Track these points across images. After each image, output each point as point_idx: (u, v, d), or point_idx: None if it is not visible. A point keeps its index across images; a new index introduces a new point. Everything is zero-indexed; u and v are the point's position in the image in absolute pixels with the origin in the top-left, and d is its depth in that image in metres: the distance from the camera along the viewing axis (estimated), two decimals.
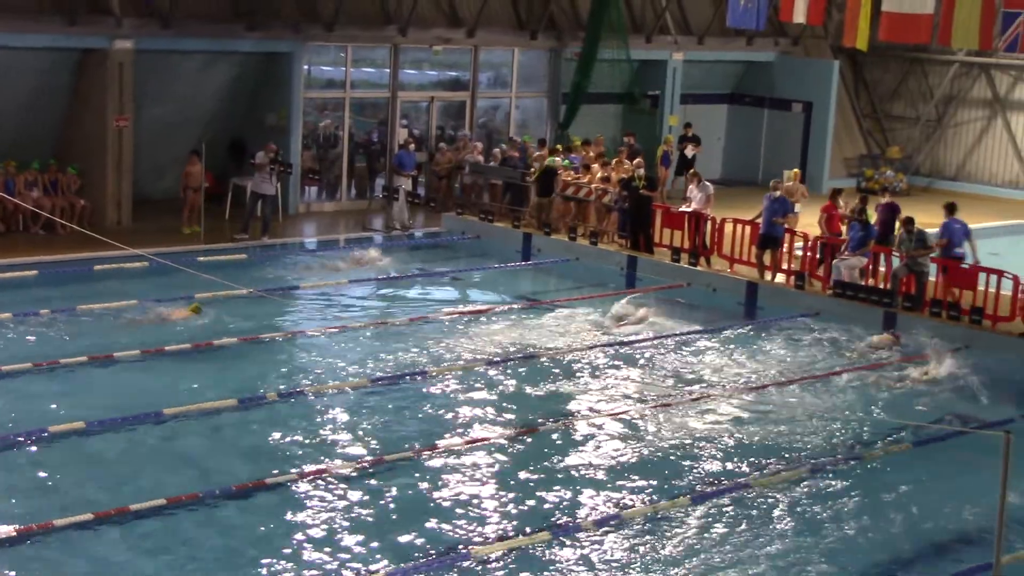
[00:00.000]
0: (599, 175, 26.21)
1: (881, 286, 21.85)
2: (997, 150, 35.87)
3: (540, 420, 15.97)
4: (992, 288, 20.77)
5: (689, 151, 31.80)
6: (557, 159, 27.07)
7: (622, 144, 29.24)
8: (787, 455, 15.34)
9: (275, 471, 13.85)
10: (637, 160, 25.90)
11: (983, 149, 36.13)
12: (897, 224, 22.63)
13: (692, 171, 25.93)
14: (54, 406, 15.44)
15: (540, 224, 25.92)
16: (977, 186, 35.87)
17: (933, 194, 34.58)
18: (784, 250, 23.21)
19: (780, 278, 23.14)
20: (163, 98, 26.65)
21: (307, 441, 14.88)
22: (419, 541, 12.55)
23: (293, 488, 13.52)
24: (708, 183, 25.41)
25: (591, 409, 16.54)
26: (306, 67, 28.03)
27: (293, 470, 13.91)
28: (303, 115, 27.82)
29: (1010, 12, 24.45)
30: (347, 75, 28.74)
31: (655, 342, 19.73)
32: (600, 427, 15.90)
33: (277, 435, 15.03)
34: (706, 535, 13.01)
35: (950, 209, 21.99)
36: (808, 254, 22.89)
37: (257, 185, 25.07)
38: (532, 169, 26.56)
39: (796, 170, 27.60)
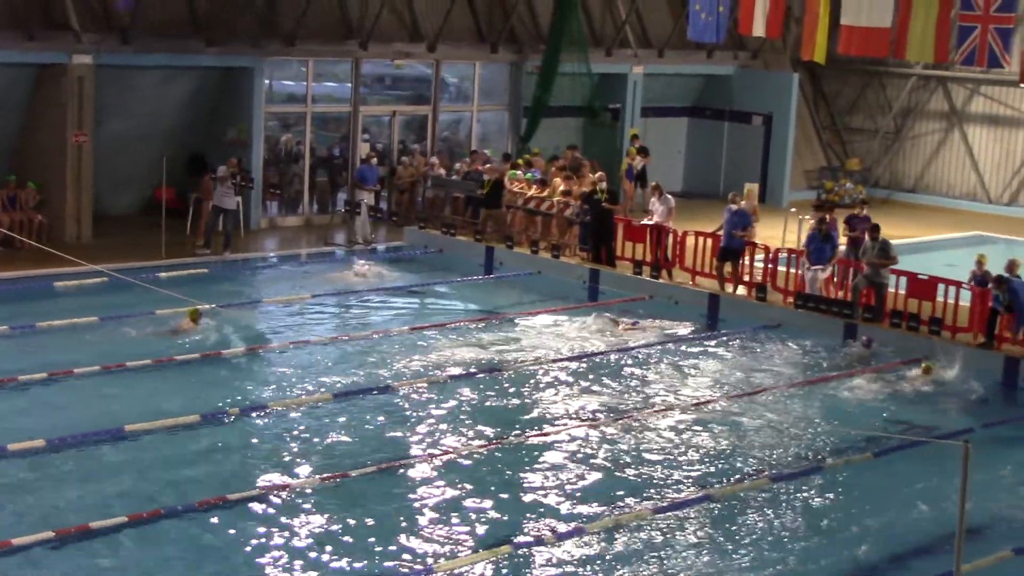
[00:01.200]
0: (561, 188, 26.28)
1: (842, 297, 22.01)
2: (954, 162, 36.22)
3: (503, 434, 15.98)
4: (951, 299, 20.97)
5: (638, 163, 31.68)
6: (519, 172, 27.16)
7: (576, 156, 29.31)
8: (748, 466, 15.42)
9: (237, 487, 13.79)
10: (599, 174, 25.99)
11: (941, 161, 36.47)
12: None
13: (654, 184, 26.01)
14: (13, 423, 15.32)
15: (478, 233, 25.93)
16: (935, 198, 36.18)
17: (892, 206, 34.90)
18: (745, 262, 23.35)
19: (741, 290, 23.27)
20: (123, 113, 26.54)
21: (270, 457, 14.83)
22: (384, 557, 12.54)
23: (255, 505, 13.47)
24: (670, 196, 25.53)
25: (554, 423, 16.57)
26: (267, 81, 27.98)
27: (256, 486, 13.86)
28: (264, 130, 27.78)
29: (965, 26, 24.72)
30: (308, 89, 28.70)
31: (617, 355, 19.79)
32: (563, 440, 15.93)
33: (240, 451, 14.97)
34: (668, 546, 13.05)
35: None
36: (769, 266, 23.02)
37: (219, 199, 25.00)
38: (485, 180, 26.64)
39: (753, 186, 27.78)
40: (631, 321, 21.47)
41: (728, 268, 23.25)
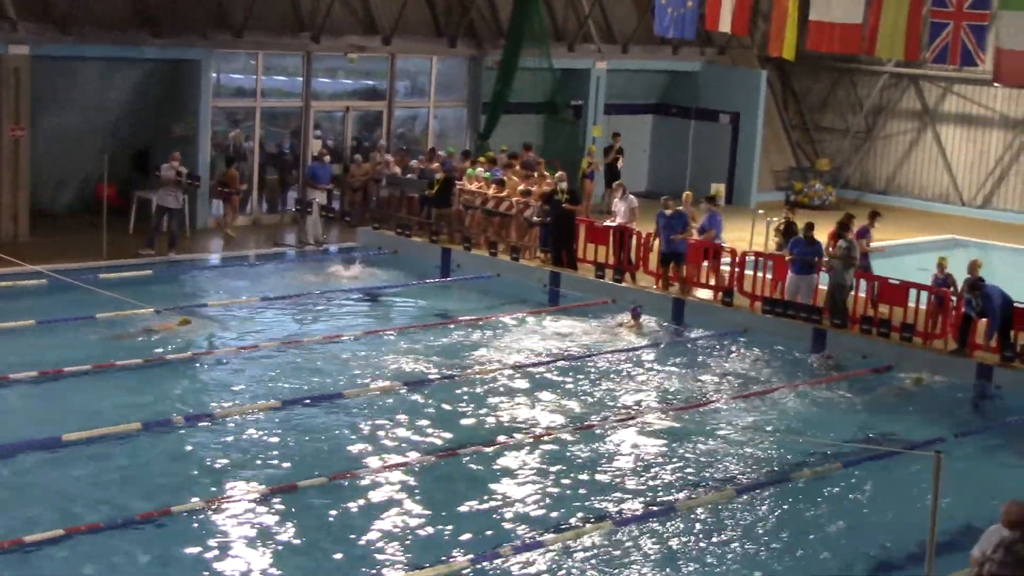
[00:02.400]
0: (520, 188, 26.30)
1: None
2: (927, 163, 36.51)
3: (458, 444, 15.95)
4: (923, 305, 21.12)
5: (619, 163, 32.01)
6: (480, 170, 27.15)
7: (531, 156, 29.36)
8: (713, 476, 15.46)
9: (181, 498, 13.70)
10: (560, 173, 26.03)
11: (913, 162, 36.76)
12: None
13: (617, 183, 26.07)
14: None
15: (433, 234, 25.95)
16: (907, 199, 36.48)
17: (863, 207, 35.04)
18: (714, 265, 23.43)
19: (707, 294, 23.35)
20: (63, 107, 26.34)
21: (216, 468, 14.74)
22: (333, 572, 12.48)
23: (200, 516, 13.38)
24: (632, 196, 25.59)
25: (512, 431, 16.55)
26: (214, 75, 27.84)
27: (200, 497, 13.77)
28: (212, 125, 27.64)
29: (938, 22, 24.89)
30: (258, 83, 28.59)
31: (577, 362, 19.80)
32: (522, 450, 15.92)
33: (184, 460, 14.87)
34: (629, 560, 13.05)
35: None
36: (736, 270, 23.11)
37: (163, 198, 24.85)
38: (436, 179, 26.63)
39: (720, 186, 27.93)
40: (634, 315, 21.66)
41: (671, 268, 23.36)
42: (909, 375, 19.89)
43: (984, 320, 20.10)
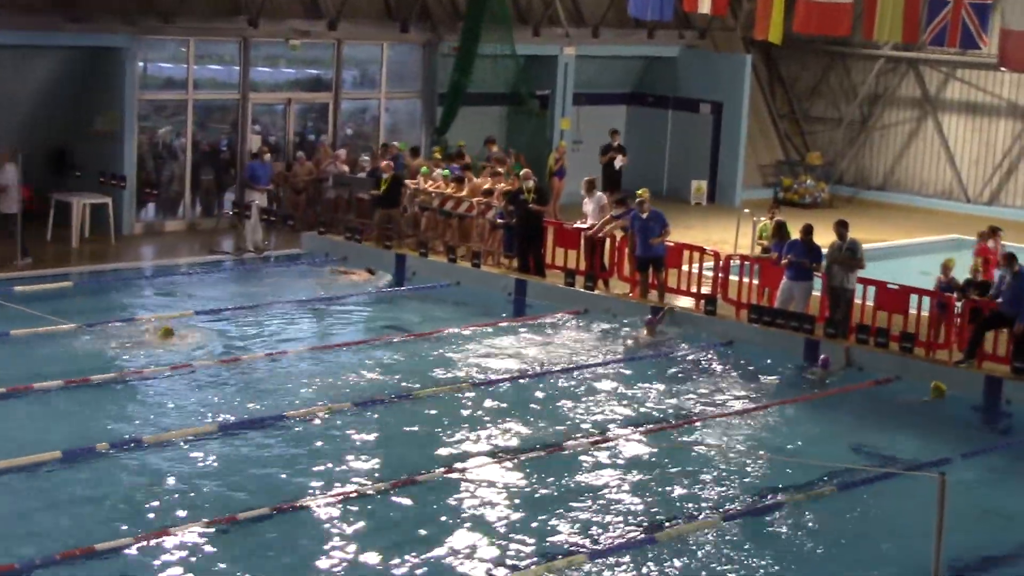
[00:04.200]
0: (484, 187, 26.31)
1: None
2: (928, 156, 36.76)
3: (415, 470, 15.93)
4: (925, 312, 21.25)
5: (618, 162, 31.90)
6: (441, 168, 27.15)
7: (498, 151, 29.41)
8: (696, 503, 15.50)
9: (108, 533, 13.64)
10: (525, 171, 26.05)
11: (913, 155, 37.00)
12: None
13: (587, 179, 26.08)
14: None
15: (383, 238, 25.96)
16: (906, 196, 36.71)
17: (858, 205, 35.35)
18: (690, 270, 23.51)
19: (688, 302, 23.42)
20: None
21: (146, 499, 14.68)
22: None
23: (129, 553, 13.32)
24: (601, 193, 25.65)
25: (473, 456, 16.55)
26: (141, 64, 27.75)
27: (129, 533, 13.71)
28: (138, 120, 27.53)
29: (937, 1, 25.07)
30: (189, 73, 28.50)
31: (546, 377, 19.83)
32: (483, 476, 15.91)
33: (110, 492, 14.80)
34: None
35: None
36: (720, 275, 23.19)
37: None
38: (384, 177, 26.61)
39: (701, 183, 28.01)
40: (657, 320, 21.84)
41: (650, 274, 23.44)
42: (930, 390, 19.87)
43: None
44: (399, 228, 26.42)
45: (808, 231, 22.09)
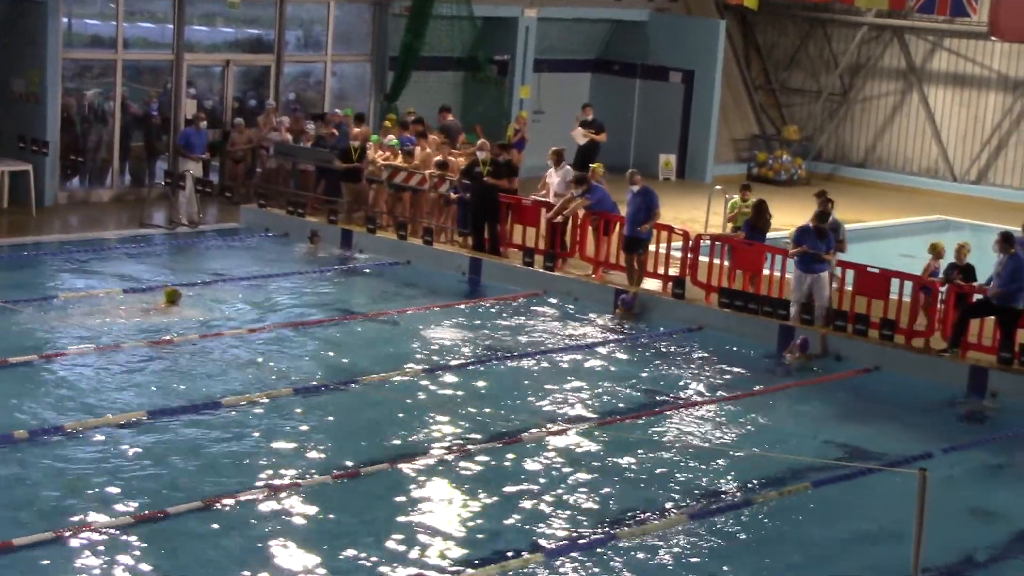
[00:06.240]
0: (436, 159, 26.28)
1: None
2: (913, 131, 36.96)
3: (360, 462, 15.94)
4: (907, 297, 21.38)
5: (580, 137, 31.42)
6: (391, 137, 27.11)
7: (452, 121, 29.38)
8: (661, 499, 15.56)
9: (28, 529, 13.58)
10: (481, 141, 26.04)
11: (896, 129, 37.20)
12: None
13: (554, 149, 26.05)
14: None
15: (350, 216, 25.96)
16: (889, 174, 36.92)
17: (838, 183, 35.50)
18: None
19: (654, 284, 23.49)
20: None
21: (72, 490, 14.62)
22: None
23: (54, 549, 13.27)
24: (569, 167, 25.66)
25: (422, 446, 16.57)
26: (65, 20, 27.57)
27: (54, 527, 13.66)
28: (62, 81, 27.37)
29: None
30: (119, 31, 28.33)
31: (501, 364, 19.87)
32: (435, 469, 15.93)
33: (30, 483, 14.75)
34: None
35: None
36: (690, 255, 23.26)
37: None
38: (353, 147, 26.50)
39: (669, 157, 28.02)
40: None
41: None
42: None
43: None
44: (367, 205, 26.36)
45: (821, 217, 21.67)
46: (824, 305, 21.44)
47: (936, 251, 21.67)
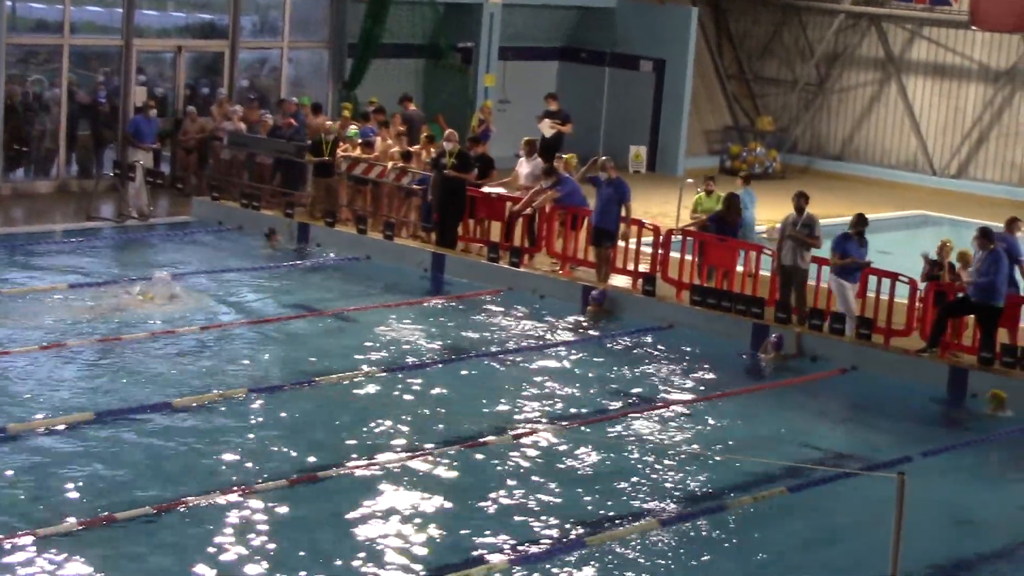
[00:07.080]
0: (396, 150, 26.22)
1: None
2: (891, 122, 37.09)
3: (316, 465, 15.88)
4: (884, 295, 21.42)
5: (547, 129, 31.06)
6: (352, 127, 27.05)
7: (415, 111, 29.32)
8: (633, 504, 15.55)
9: None
10: (448, 131, 25.98)
11: (874, 121, 37.32)
12: None
13: (526, 140, 25.98)
14: None
15: (325, 213, 25.92)
16: (866, 167, 37.05)
17: (812, 176, 35.62)
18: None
19: (623, 281, 23.48)
20: None
21: (13, 496, 14.53)
22: None
23: None
24: (540, 159, 25.61)
25: (382, 450, 16.52)
26: (9, 3, 27.43)
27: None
28: (6, 68, 27.20)
29: None
30: (66, 15, 28.19)
31: (462, 364, 19.84)
32: (393, 473, 15.89)
33: None
34: None
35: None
36: (660, 251, 23.26)
37: None
38: (324, 139, 26.37)
39: (640, 149, 27.98)
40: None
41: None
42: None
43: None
44: (338, 201, 26.28)
45: (859, 224, 21.30)
46: (854, 311, 21.27)
47: (945, 248, 21.46)
